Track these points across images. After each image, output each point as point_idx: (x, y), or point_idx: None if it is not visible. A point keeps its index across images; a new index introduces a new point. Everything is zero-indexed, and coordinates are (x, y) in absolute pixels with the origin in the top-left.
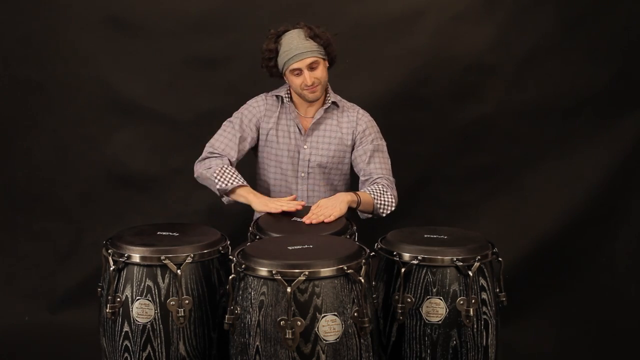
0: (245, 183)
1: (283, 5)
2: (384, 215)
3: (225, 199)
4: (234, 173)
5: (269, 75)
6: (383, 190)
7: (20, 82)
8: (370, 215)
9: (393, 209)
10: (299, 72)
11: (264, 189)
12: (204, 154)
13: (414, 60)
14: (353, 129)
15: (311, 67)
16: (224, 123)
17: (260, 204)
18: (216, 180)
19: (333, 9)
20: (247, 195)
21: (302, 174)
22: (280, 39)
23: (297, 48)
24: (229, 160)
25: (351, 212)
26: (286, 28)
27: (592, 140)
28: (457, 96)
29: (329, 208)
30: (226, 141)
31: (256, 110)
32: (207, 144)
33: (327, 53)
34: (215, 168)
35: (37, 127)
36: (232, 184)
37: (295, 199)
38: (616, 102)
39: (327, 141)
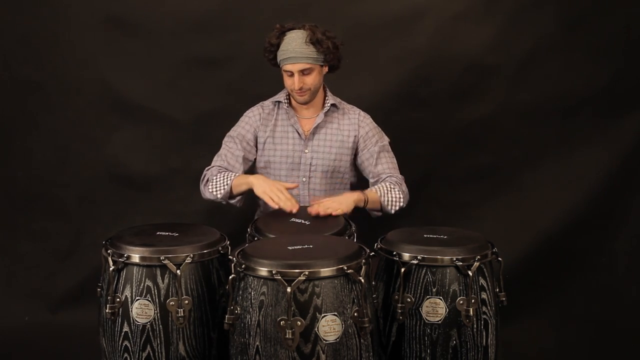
0: (237, 173)
1: (283, 5)
2: (393, 212)
3: (235, 202)
4: (224, 174)
5: (271, 66)
6: (390, 187)
7: (20, 82)
8: (380, 213)
9: (402, 204)
10: (290, 73)
11: None
12: (206, 175)
13: (414, 60)
14: (355, 132)
15: (303, 73)
16: (224, 140)
17: (260, 188)
18: (215, 193)
19: (333, 9)
20: (245, 180)
21: (304, 179)
22: (284, 35)
23: (293, 51)
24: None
25: (356, 212)
26: (292, 26)
27: (592, 140)
28: (457, 96)
29: (336, 202)
30: (229, 156)
31: (252, 121)
32: (213, 162)
33: (327, 60)
34: (210, 180)
35: (37, 127)
36: (227, 183)
37: (297, 187)
38: (616, 102)
39: (329, 144)
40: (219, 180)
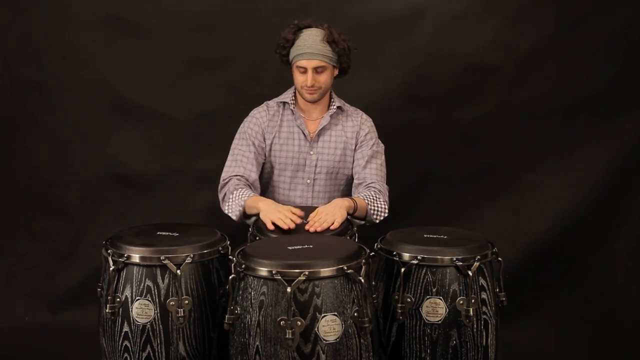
0: (249, 195)
1: (283, 5)
2: (377, 221)
3: (250, 222)
4: (240, 192)
5: (280, 62)
6: (376, 197)
7: (20, 82)
8: (362, 222)
9: (386, 215)
10: (303, 70)
11: (268, 197)
12: (220, 183)
13: (413, 60)
14: (356, 133)
15: (317, 70)
16: (234, 143)
17: (265, 215)
18: (230, 214)
19: (333, 9)
20: (255, 205)
21: (308, 181)
22: (300, 32)
23: (309, 47)
24: (247, 179)
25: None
26: (309, 24)
27: (592, 140)
28: (457, 96)
29: (330, 215)
30: (244, 160)
31: (260, 122)
32: (223, 171)
33: (340, 62)
34: (227, 197)
35: (37, 127)
36: (240, 205)
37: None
38: (616, 102)
39: (333, 146)
40: (234, 200)
